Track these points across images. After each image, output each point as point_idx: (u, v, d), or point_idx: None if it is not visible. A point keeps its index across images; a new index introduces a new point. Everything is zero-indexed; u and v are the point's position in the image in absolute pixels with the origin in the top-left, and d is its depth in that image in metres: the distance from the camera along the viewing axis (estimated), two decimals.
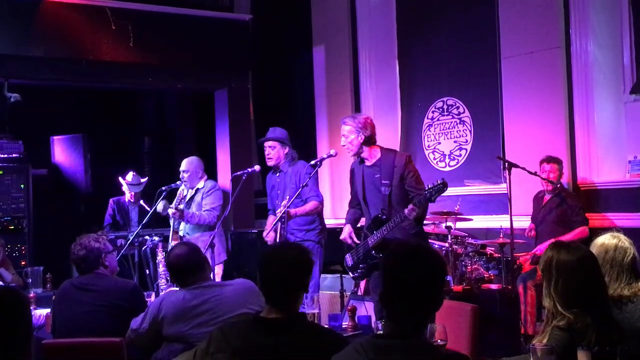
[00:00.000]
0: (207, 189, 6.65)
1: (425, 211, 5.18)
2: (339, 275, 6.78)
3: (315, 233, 6.15)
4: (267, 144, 6.27)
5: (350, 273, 5.49)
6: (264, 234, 6.19)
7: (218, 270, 6.57)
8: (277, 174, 6.30)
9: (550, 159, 6.26)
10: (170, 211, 6.34)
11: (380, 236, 5.10)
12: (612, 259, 3.26)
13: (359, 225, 5.63)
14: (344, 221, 5.61)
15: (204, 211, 6.54)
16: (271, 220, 6.31)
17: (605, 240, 3.34)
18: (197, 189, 6.67)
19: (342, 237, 5.44)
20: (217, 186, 6.78)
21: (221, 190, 6.80)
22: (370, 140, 5.29)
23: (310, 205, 6.01)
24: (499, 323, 5.41)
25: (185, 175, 6.63)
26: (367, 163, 5.33)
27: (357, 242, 5.32)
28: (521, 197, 6.46)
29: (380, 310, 5.03)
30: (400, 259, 2.47)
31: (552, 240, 5.53)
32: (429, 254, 2.49)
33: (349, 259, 5.42)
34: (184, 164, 6.70)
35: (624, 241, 3.32)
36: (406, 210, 4.90)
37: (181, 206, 6.48)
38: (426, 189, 4.86)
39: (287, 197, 5.84)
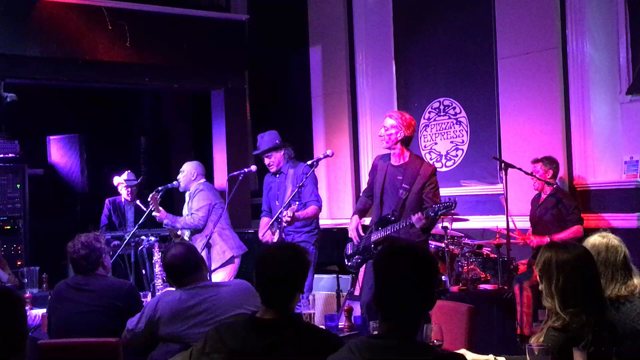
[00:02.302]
0: (192, 191, 6.55)
1: (433, 224, 5.25)
2: (335, 275, 6.78)
3: (311, 235, 6.17)
4: (264, 156, 6.30)
5: (345, 260, 5.53)
6: (260, 235, 6.20)
7: (223, 272, 6.46)
8: (277, 175, 6.30)
9: (535, 160, 6.29)
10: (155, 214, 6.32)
11: (384, 234, 5.16)
12: (605, 260, 3.26)
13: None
14: (340, 222, 5.65)
15: (190, 214, 6.46)
16: (265, 222, 6.32)
17: (595, 241, 3.34)
18: (191, 193, 6.60)
19: (350, 227, 5.47)
20: (202, 186, 6.57)
21: (207, 190, 6.57)
22: (406, 141, 5.32)
23: (311, 210, 6.03)
24: (495, 323, 5.42)
25: (180, 175, 6.62)
26: (393, 162, 5.35)
27: (362, 235, 5.37)
28: (517, 198, 6.46)
29: (367, 305, 5.10)
30: (391, 258, 2.47)
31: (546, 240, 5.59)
32: (420, 252, 2.49)
33: (349, 247, 5.49)
34: (183, 166, 6.69)
35: (613, 240, 3.33)
36: (414, 217, 4.98)
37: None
38: (439, 203, 4.93)
39: (291, 200, 5.79)
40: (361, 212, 5.57)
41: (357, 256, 5.38)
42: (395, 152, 5.33)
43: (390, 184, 5.32)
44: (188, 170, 6.63)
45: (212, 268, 6.25)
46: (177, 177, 6.63)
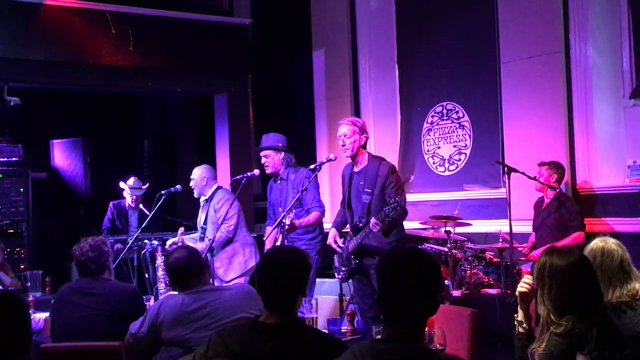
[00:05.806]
0: (217, 200, 6.38)
1: (392, 225, 5.18)
2: (338, 279, 6.77)
3: (315, 242, 6.16)
4: (261, 153, 6.27)
5: (335, 274, 5.58)
6: (265, 241, 6.19)
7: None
8: (278, 182, 6.28)
9: (541, 163, 6.29)
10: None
11: (356, 242, 5.22)
12: (600, 264, 3.23)
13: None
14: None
15: (221, 227, 6.22)
16: (270, 230, 6.31)
17: (593, 245, 3.32)
18: (207, 199, 6.47)
19: (327, 241, 5.54)
20: (227, 196, 6.41)
21: (231, 196, 6.41)
22: (365, 145, 5.37)
23: (313, 216, 6.02)
24: (498, 328, 5.41)
25: (191, 183, 6.55)
26: (356, 168, 5.39)
27: (342, 246, 5.40)
28: (520, 202, 6.45)
29: (363, 311, 5.11)
30: (394, 262, 2.47)
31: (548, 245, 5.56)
32: (423, 256, 2.49)
33: (336, 261, 5.52)
34: (193, 172, 6.57)
35: (612, 244, 3.30)
36: (371, 223, 4.98)
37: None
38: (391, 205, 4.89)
39: (289, 206, 5.78)
40: (339, 225, 5.63)
41: (343, 268, 5.42)
42: (357, 158, 5.36)
43: (355, 190, 5.36)
44: (198, 177, 6.49)
45: (229, 279, 6.21)
46: (190, 184, 6.55)
